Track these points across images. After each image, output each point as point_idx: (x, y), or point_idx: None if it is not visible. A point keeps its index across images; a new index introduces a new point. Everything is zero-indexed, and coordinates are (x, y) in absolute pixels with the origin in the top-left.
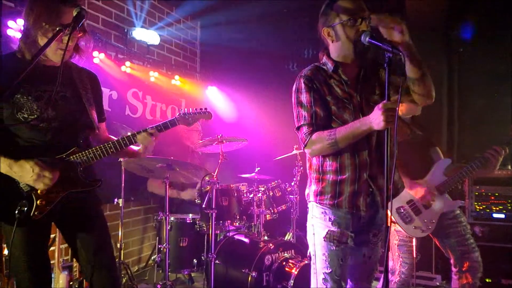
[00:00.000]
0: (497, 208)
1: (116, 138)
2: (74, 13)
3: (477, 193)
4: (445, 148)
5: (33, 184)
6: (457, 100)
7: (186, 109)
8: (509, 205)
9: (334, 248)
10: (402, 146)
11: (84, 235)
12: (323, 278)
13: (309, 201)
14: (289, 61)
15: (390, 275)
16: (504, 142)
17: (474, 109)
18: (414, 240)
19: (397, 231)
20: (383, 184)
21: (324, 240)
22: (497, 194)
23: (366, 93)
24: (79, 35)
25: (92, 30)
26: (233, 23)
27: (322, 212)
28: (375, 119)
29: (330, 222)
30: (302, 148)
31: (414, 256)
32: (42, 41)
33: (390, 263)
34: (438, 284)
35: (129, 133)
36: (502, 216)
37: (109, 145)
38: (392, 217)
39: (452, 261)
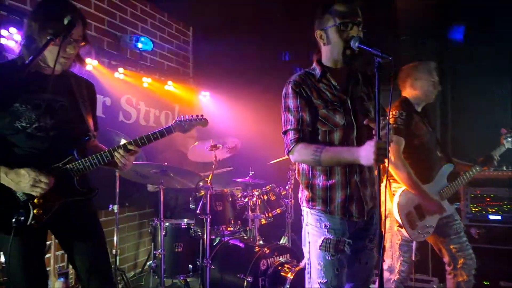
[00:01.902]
0: (493, 210)
1: (106, 148)
2: (65, 22)
3: (472, 195)
4: (439, 136)
5: (29, 190)
6: (450, 100)
7: (182, 116)
8: (505, 206)
9: (329, 258)
10: (415, 148)
11: (80, 243)
12: None
13: (303, 206)
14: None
15: (389, 273)
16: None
17: (467, 109)
18: (414, 242)
19: (399, 231)
20: (374, 190)
21: (320, 249)
22: (492, 196)
23: (358, 97)
24: (81, 44)
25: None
26: (225, 28)
27: (316, 219)
28: (365, 156)
29: (326, 230)
30: (286, 153)
31: (413, 258)
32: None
33: (389, 261)
34: (435, 286)
35: (109, 148)
36: (499, 217)
37: (105, 154)
38: (399, 221)
39: (446, 259)
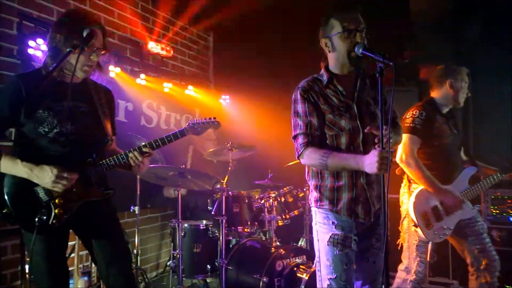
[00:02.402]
0: None
1: (122, 151)
2: (84, 34)
3: (493, 197)
4: None
5: (52, 185)
6: (471, 101)
7: (195, 119)
8: None
9: (337, 252)
10: (436, 148)
11: (99, 240)
12: (328, 285)
13: (312, 206)
14: (303, 67)
15: (406, 274)
16: None
17: (488, 108)
18: (430, 242)
19: (417, 232)
20: (380, 192)
21: (328, 244)
22: None
23: (364, 102)
24: (102, 52)
25: (110, 46)
26: (245, 32)
27: (324, 217)
28: (369, 164)
29: (334, 226)
30: (297, 157)
31: (428, 259)
32: (70, 57)
33: (406, 262)
34: None
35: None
36: None
37: (122, 156)
38: (415, 220)
39: (468, 261)
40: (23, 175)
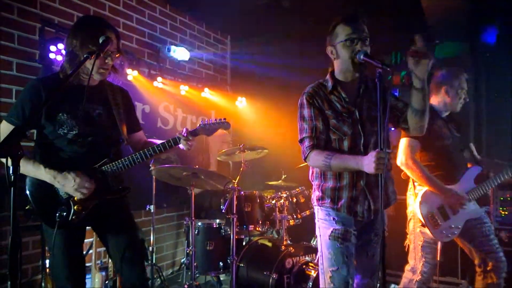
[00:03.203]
0: None
1: (158, 141)
2: (100, 40)
3: (502, 198)
4: (473, 143)
5: (73, 193)
6: (484, 102)
7: (206, 120)
8: None
9: (338, 245)
10: (438, 149)
11: (114, 236)
12: (330, 277)
13: (314, 205)
14: (318, 72)
15: (412, 274)
16: None
17: (502, 110)
18: (439, 242)
19: (422, 233)
20: (378, 193)
21: (329, 238)
22: None
23: (366, 108)
24: (116, 55)
25: (126, 49)
26: (263, 36)
27: (326, 214)
28: (367, 165)
29: (334, 221)
30: (303, 159)
31: (438, 259)
32: (87, 62)
33: (412, 262)
34: None
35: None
36: None
37: (136, 156)
38: (422, 220)
39: (476, 261)
40: (47, 180)
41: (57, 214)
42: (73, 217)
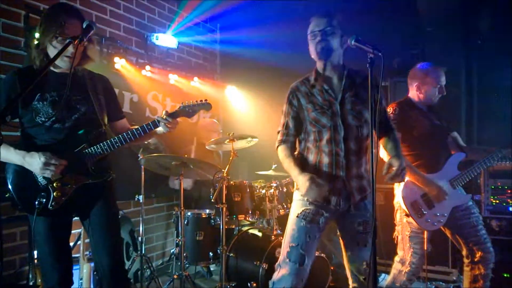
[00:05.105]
0: None
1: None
2: (84, 25)
3: (493, 187)
4: (464, 137)
5: (41, 171)
6: (476, 91)
7: (186, 101)
8: None
9: (303, 224)
10: (417, 139)
11: (94, 223)
12: (287, 251)
13: (295, 190)
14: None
15: (401, 265)
16: None
17: (493, 103)
18: (425, 232)
19: (409, 223)
20: (357, 185)
21: (297, 216)
22: None
23: (349, 102)
24: (84, 44)
25: (113, 37)
26: (252, 24)
27: (301, 194)
28: (300, 185)
29: (308, 202)
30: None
31: (425, 248)
32: (49, 50)
33: (401, 253)
34: (454, 278)
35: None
36: None
37: (115, 140)
38: (406, 210)
39: (464, 252)
40: (17, 162)
41: (37, 201)
42: (53, 203)
